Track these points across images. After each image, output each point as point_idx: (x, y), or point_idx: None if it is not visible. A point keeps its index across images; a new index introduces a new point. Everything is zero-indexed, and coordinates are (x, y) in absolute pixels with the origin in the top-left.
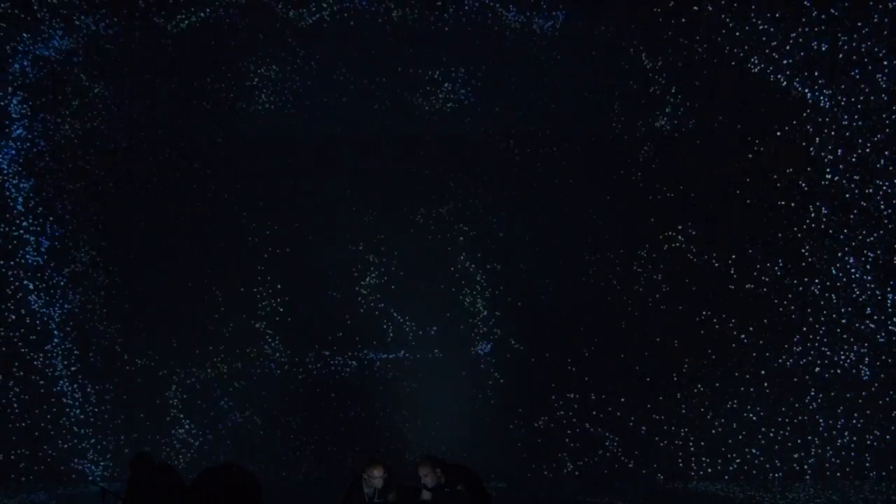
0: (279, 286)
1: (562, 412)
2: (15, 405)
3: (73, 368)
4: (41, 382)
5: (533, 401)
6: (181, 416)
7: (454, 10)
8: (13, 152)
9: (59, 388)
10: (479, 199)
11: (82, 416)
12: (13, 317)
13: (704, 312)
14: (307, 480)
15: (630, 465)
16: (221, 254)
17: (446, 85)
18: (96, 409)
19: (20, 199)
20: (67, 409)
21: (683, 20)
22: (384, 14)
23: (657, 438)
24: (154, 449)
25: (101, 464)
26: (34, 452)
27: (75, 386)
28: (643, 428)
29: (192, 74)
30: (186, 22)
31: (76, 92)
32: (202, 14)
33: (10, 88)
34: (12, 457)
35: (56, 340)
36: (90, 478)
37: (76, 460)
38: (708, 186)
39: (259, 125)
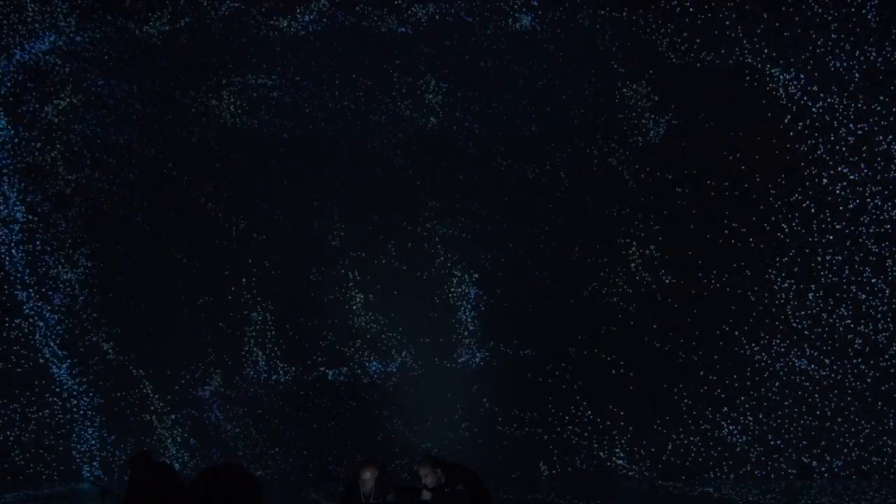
0: (273, 294)
1: (558, 414)
2: (13, 405)
3: (71, 370)
4: (40, 383)
5: (527, 405)
6: (179, 424)
7: (443, 13)
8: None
9: (58, 389)
10: (472, 204)
11: (81, 417)
12: (7, 319)
13: (700, 314)
14: (306, 481)
15: (626, 467)
16: (213, 264)
17: (435, 88)
18: (95, 410)
19: (10, 201)
20: (67, 409)
21: (670, 20)
22: (370, 18)
23: (653, 439)
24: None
25: (96, 462)
26: (34, 453)
27: (73, 384)
28: (639, 430)
29: (185, 77)
30: (182, 22)
31: (66, 92)
32: (192, 18)
33: None
34: (13, 457)
35: (53, 342)
36: (90, 478)
37: (76, 461)
38: (703, 186)
39: (250, 130)
